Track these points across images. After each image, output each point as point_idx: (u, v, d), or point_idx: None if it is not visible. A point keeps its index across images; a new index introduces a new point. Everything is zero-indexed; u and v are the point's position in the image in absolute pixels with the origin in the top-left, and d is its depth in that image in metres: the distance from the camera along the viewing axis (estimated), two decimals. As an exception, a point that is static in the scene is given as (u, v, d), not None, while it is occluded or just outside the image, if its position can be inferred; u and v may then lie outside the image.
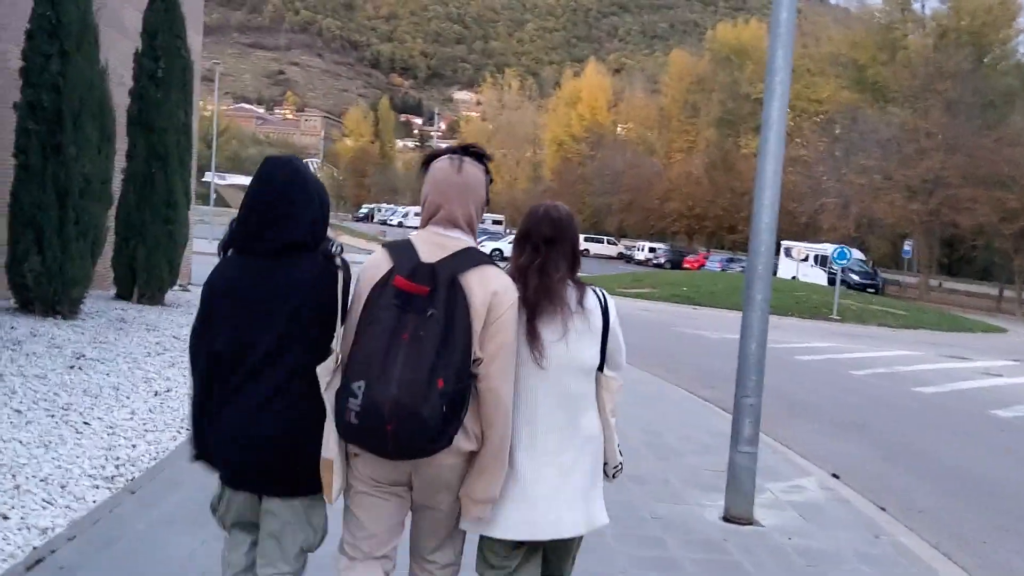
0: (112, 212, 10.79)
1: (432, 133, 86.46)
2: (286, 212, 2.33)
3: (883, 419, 9.92)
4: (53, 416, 5.46)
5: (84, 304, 9.89)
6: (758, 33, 63.24)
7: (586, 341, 2.45)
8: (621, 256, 58.78)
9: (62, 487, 4.29)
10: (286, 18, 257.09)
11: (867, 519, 5.45)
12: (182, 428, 5.70)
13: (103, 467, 4.71)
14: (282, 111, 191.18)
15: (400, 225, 63.57)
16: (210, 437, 2.37)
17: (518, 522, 2.39)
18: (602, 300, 2.53)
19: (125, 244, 11.93)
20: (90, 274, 9.70)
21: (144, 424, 5.67)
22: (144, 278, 11.96)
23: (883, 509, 5.81)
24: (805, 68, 50.72)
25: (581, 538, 2.57)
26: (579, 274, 2.55)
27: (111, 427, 5.47)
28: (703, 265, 49.52)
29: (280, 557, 2.37)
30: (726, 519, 4.98)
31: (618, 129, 74.13)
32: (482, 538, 2.49)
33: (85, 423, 5.42)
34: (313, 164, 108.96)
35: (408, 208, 69.75)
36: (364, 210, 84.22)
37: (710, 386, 10.71)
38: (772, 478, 5.97)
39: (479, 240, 2.58)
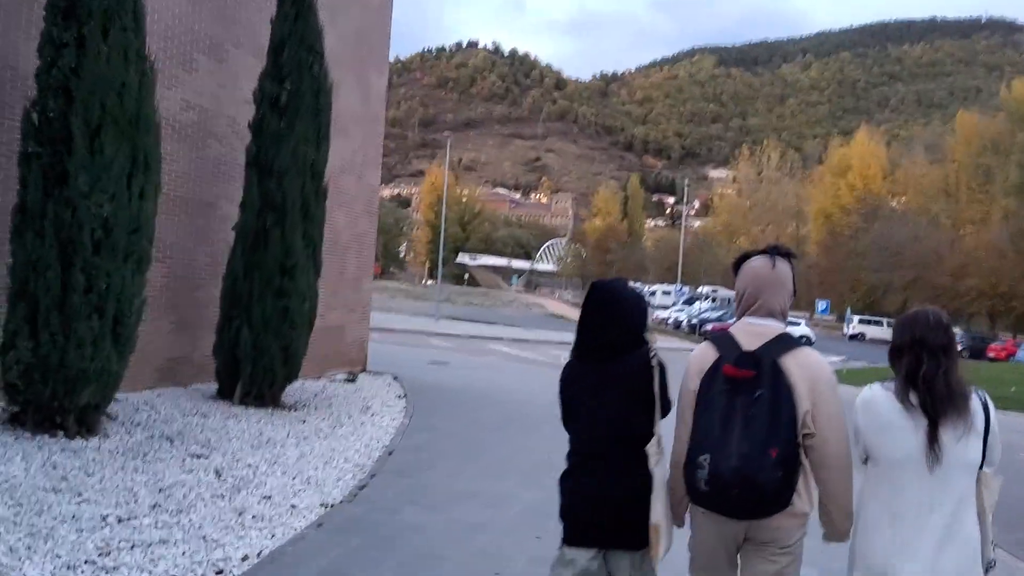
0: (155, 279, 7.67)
1: (684, 211, 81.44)
2: (608, 326, 2.81)
3: None
4: None
5: (110, 412, 6.69)
6: (1066, 86, 53.47)
7: (972, 441, 2.53)
8: (905, 343, 50.05)
9: None
10: (544, 108, 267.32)
11: None
12: None
13: None
14: (537, 195, 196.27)
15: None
16: (566, 499, 2.85)
17: None
18: (982, 398, 2.60)
19: (227, 324, 8.83)
20: (112, 368, 6.44)
21: None
22: (248, 370, 8.74)
23: None
24: None
25: None
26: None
27: None
28: (1013, 355, 40.71)
29: None
30: None
31: (893, 202, 65.47)
32: None
33: None
34: (560, 243, 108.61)
35: (656, 287, 64.96)
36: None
37: None
38: None
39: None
